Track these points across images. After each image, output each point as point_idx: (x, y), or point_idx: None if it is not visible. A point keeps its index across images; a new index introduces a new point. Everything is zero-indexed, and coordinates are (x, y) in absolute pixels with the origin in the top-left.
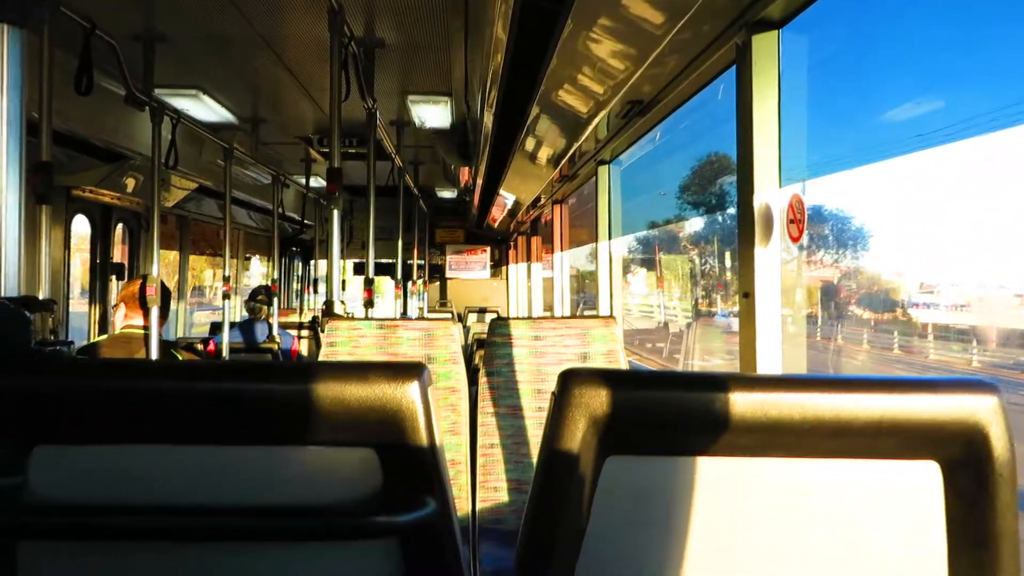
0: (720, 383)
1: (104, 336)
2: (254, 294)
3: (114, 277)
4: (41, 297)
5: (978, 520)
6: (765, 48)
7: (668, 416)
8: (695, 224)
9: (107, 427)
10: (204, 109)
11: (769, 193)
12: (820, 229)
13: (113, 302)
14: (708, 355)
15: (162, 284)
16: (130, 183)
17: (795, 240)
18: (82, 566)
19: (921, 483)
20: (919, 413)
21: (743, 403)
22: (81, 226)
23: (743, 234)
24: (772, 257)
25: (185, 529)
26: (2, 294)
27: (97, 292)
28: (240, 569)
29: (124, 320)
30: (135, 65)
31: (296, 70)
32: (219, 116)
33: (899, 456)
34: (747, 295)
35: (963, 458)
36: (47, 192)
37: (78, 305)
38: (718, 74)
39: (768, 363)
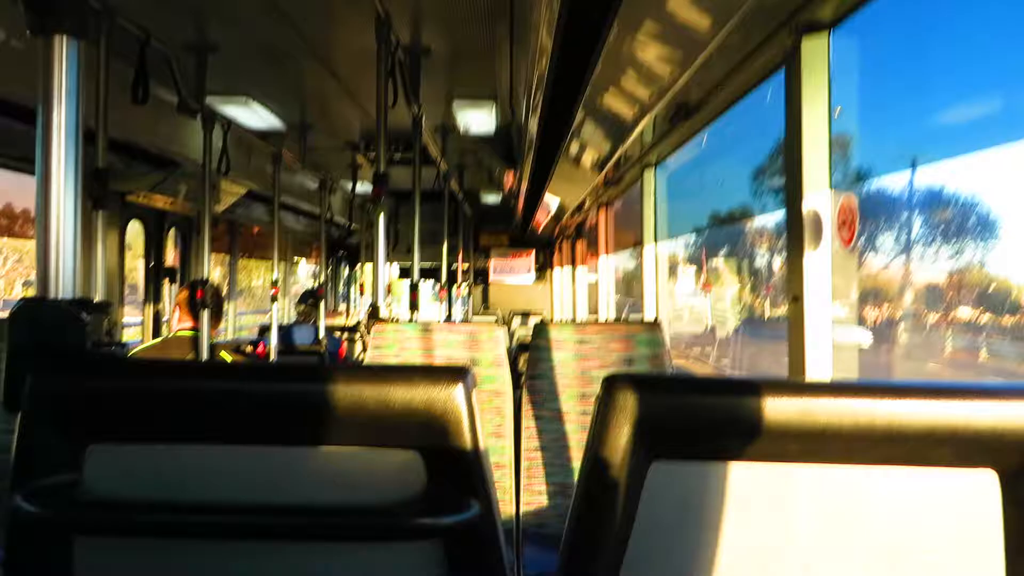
0: (768, 388)
1: (159, 339)
2: (304, 298)
3: (167, 280)
4: (96, 299)
5: None
6: (815, 50)
7: (714, 421)
8: (770, 216)
9: (159, 427)
10: (253, 116)
11: (819, 196)
12: (942, 215)
13: (165, 305)
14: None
15: (215, 288)
16: (182, 189)
17: (846, 244)
18: (135, 561)
19: (978, 492)
20: (977, 420)
21: (792, 408)
22: (135, 231)
23: (792, 238)
24: (822, 261)
25: (233, 527)
26: (59, 296)
27: (151, 295)
28: (285, 567)
29: (179, 323)
30: (188, 74)
31: (343, 77)
32: (268, 123)
33: (955, 464)
34: (796, 299)
35: (1023, 467)
36: (103, 198)
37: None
38: (767, 76)
39: (818, 368)
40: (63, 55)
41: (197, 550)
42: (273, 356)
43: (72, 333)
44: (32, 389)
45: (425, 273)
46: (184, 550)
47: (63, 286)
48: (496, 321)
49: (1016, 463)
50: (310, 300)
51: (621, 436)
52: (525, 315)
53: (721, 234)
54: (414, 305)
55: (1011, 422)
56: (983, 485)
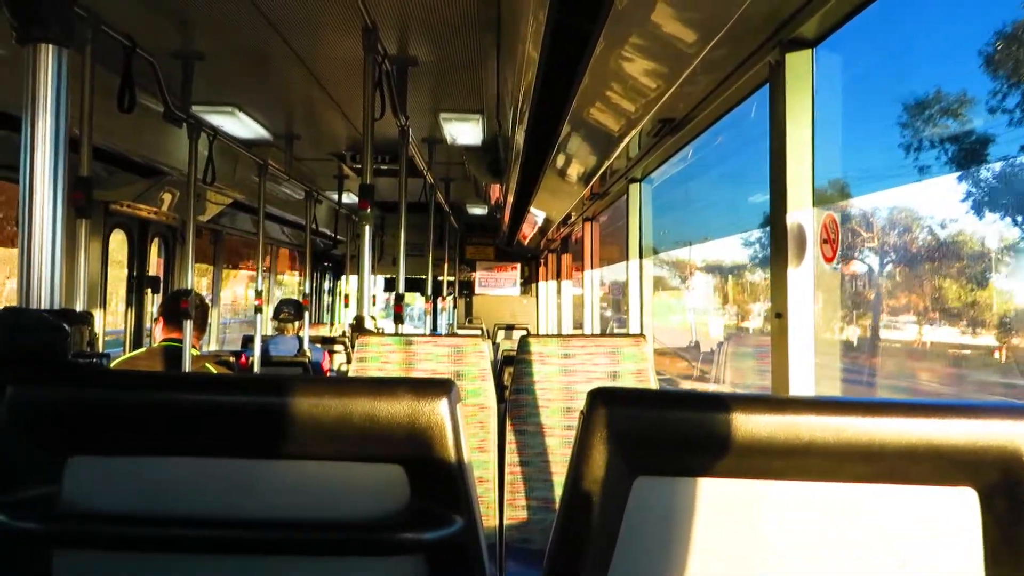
0: (751, 404)
1: (141, 350)
2: (279, 310)
3: (150, 290)
4: (78, 310)
5: (1018, 548)
6: (799, 67)
7: (698, 437)
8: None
9: (140, 439)
10: (240, 126)
11: (803, 213)
12: None
13: (152, 315)
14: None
15: (200, 298)
16: (167, 198)
17: (829, 261)
18: (115, 574)
19: (958, 510)
20: (956, 438)
21: (775, 425)
22: (118, 240)
23: (775, 254)
24: (805, 277)
25: (214, 541)
26: (41, 306)
27: (133, 305)
28: None
29: (163, 334)
30: (174, 83)
31: (330, 88)
32: (254, 133)
33: (935, 482)
34: (779, 315)
35: (1001, 484)
36: (87, 206)
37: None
38: (751, 93)
39: (801, 384)
40: (48, 64)
41: (178, 563)
42: (257, 368)
43: (54, 343)
44: (12, 400)
45: (411, 285)
46: (165, 563)
47: (45, 295)
48: (481, 334)
49: (995, 481)
50: (283, 313)
51: (605, 451)
52: (510, 328)
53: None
54: (399, 318)
55: (989, 440)
56: (963, 503)
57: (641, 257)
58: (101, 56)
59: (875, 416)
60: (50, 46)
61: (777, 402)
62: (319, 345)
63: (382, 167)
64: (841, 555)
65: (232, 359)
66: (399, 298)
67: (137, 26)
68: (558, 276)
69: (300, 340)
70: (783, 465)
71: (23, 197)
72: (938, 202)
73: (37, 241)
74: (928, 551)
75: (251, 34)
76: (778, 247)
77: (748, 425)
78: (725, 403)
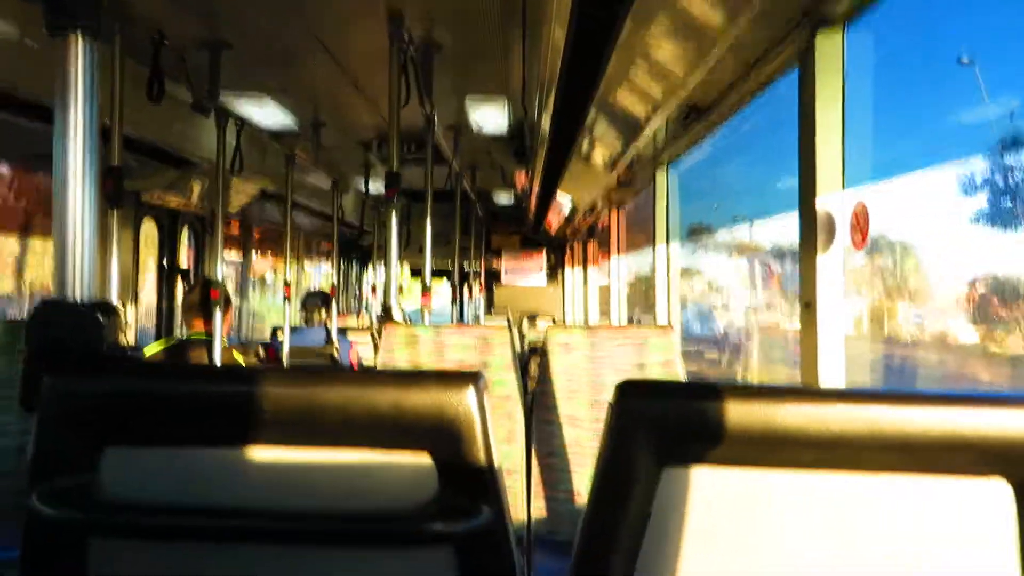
0: (780, 395)
1: (172, 341)
2: (305, 300)
3: (180, 280)
4: (111, 301)
5: None
6: (829, 47)
7: (727, 428)
8: None
9: (174, 429)
10: (267, 115)
11: (832, 198)
12: None
13: (180, 305)
14: None
15: (222, 288)
16: (196, 188)
17: (858, 248)
18: (149, 564)
19: (990, 501)
20: (988, 429)
21: (805, 416)
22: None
23: (804, 241)
24: (834, 265)
25: (246, 531)
26: (75, 297)
27: (164, 295)
28: (297, 571)
29: (191, 324)
30: (201, 73)
31: (356, 76)
32: (281, 122)
33: (966, 473)
34: (808, 305)
35: None
36: (118, 196)
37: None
38: (780, 75)
39: (830, 376)
40: (79, 54)
41: (211, 553)
42: (285, 359)
43: (89, 335)
44: (49, 390)
45: (437, 274)
46: (198, 553)
47: (80, 287)
48: (508, 324)
49: None
50: (308, 304)
51: (634, 442)
52: (534, 318)
53: None
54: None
55: (1023, 431)
56: (995, 495)
57: (668, 245)
58: (130, 47)
59: (905, 406)
60: (80, 37)
61: (806, 393)
62: (346, 336)
63: (408, 155)
64: (871, 546)
65: (261, 350)
66: (425, 287)
67: (165, 17)
68: (584, 264)
69: (328, 331)
70: (812, 456)
71: (56, 187)
72: None
73: (71, 232)
74: (960, 542)
75: (278, 23)
76: (807, 234)
77: (777, 416)
78: (753, 394)
